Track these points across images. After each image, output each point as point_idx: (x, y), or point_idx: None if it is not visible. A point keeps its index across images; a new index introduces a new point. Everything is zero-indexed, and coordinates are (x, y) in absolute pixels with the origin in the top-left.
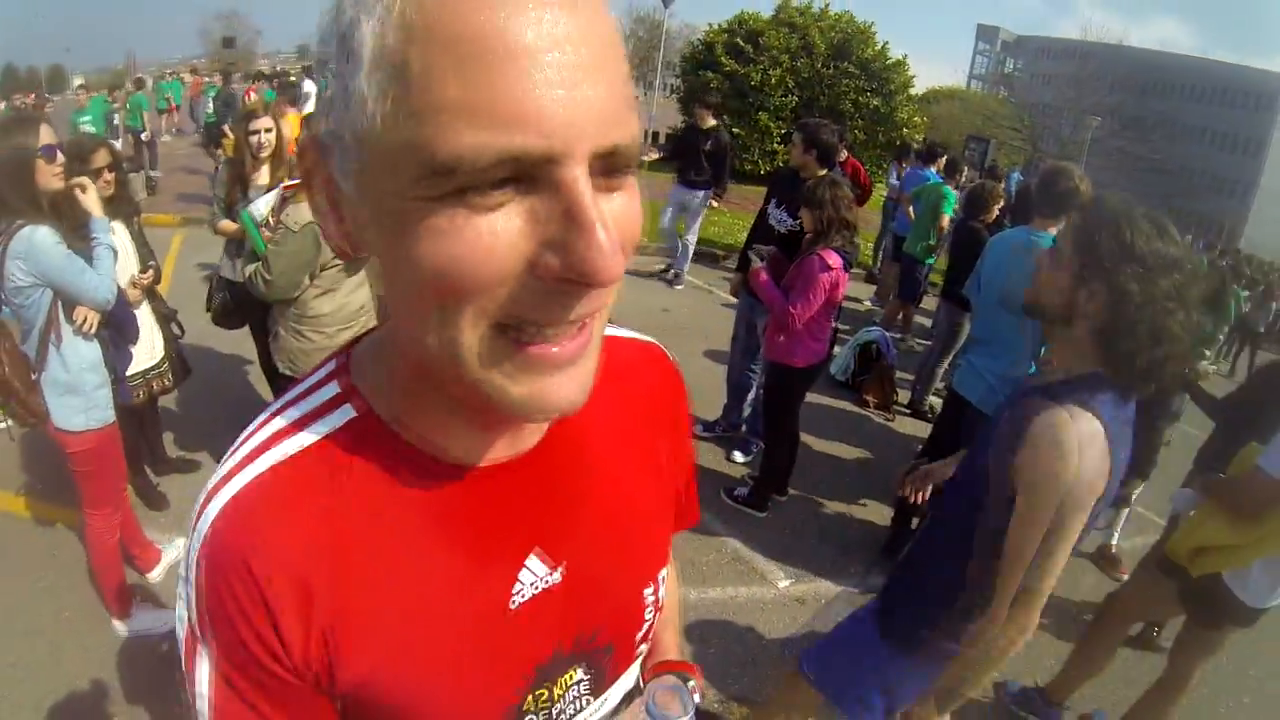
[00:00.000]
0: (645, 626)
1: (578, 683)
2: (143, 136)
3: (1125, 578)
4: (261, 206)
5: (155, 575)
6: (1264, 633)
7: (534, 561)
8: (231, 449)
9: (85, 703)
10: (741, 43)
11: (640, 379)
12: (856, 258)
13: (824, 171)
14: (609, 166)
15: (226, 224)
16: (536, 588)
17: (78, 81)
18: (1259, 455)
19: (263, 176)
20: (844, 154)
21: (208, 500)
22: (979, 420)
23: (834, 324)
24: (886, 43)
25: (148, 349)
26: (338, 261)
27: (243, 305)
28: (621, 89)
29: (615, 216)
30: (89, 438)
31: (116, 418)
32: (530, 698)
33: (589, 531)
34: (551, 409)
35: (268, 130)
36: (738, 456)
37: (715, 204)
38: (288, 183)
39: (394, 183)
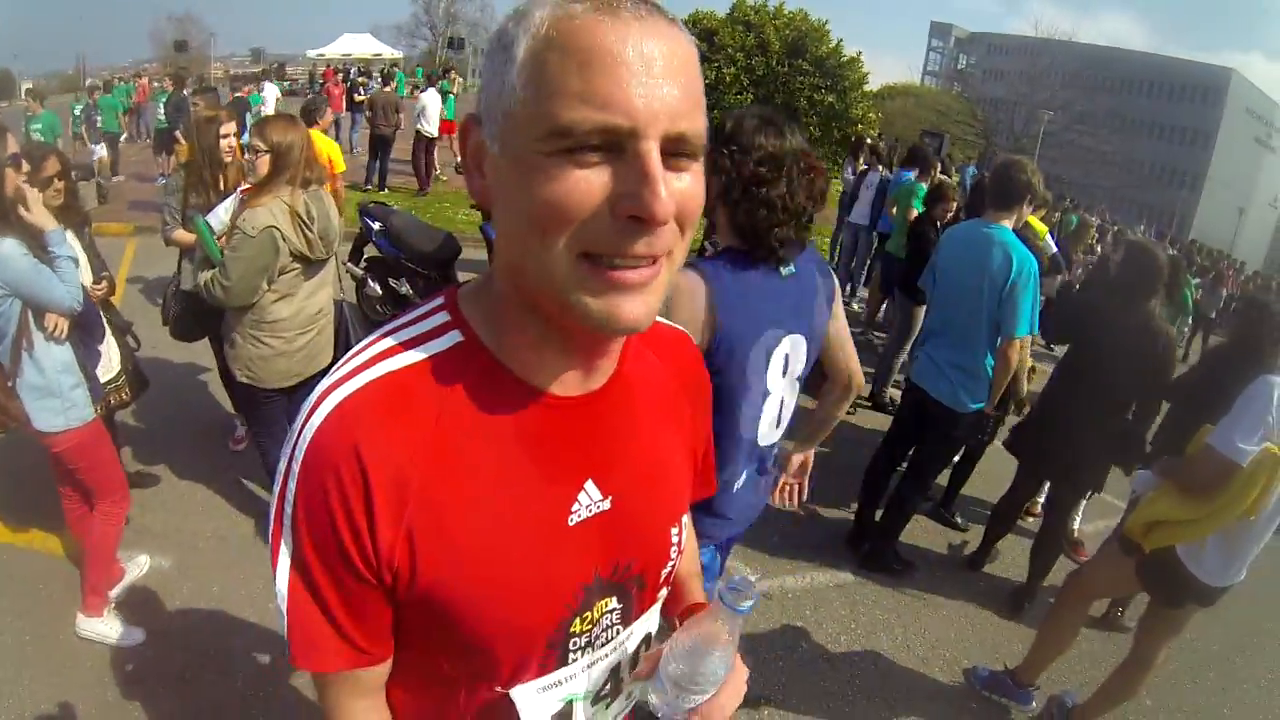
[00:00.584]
0: (670, 565)
1: (610, 611)
2: (122, 139)
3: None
4: (222, 214)
5: (115, 592)
6: (1225, 607)
7: (590, 486)
8: (345, 358)
9: None
10: (698, 41)
11: (678, 355)
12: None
13: None
14: (676, 149)
15: (182, 234)
16: (591, 510)
17: (25, 86)
18: (1209, 434)
19: (227, 183)
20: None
21: (321, 398)
22: (937, 411)
23: None
24: (841, 40)
25: (104, 362)
26: (295, 265)
27: (202, 316)
28: (692, 95)
29: (679, 190)
30: (71, 436)
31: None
32: (578, 619)
33: (632, 469)
34: (622, 323)
35: (235, 135)
36: None
37: None
38: (244, 186)
39: (526, 140)
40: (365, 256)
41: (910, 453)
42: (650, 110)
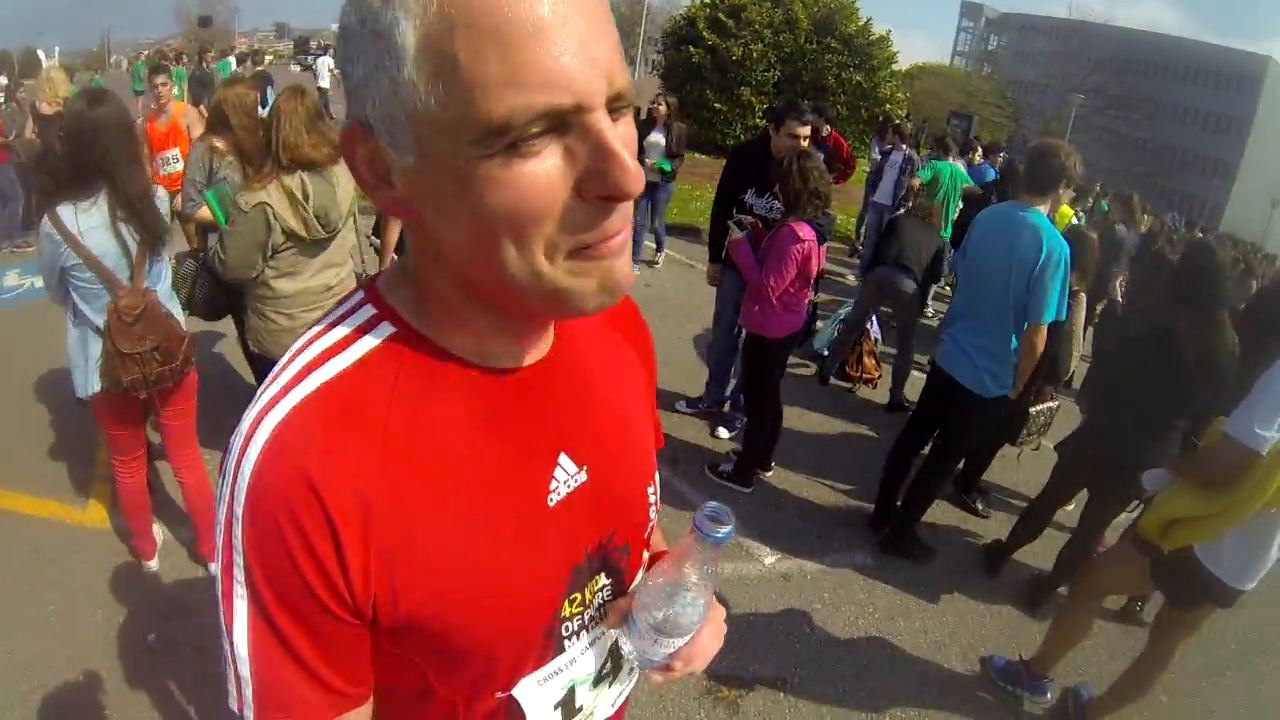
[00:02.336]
0: (650, 525)
1: (602, 588)
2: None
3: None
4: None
5: (152, 564)
6: (1243, 605)
7: (565, 460)
8: (270, 377)
9: (73, 695)
10: (724, 17)
11: (621, 311)
12: (831, 229)
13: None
14: (614, 105)
15: (206, 212)
16: (570, 486)
17: (50, 64)
18: (1225, 424)
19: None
20: (827, 128)
21: (254, 426)
22: (961, 395)
23: (812, 295)
24: (870, 18)
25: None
26: (290, 244)
27: (220, 293)
28: (617, 46)
29: (624, 139)
30: (90, 403)
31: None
32: (567, 603)
33: (601, 435)
34: (618, 285)
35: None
36: (722, 432)
37: None
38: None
39: (455, 145)
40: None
41: (934, 437)
42: (589, 78)
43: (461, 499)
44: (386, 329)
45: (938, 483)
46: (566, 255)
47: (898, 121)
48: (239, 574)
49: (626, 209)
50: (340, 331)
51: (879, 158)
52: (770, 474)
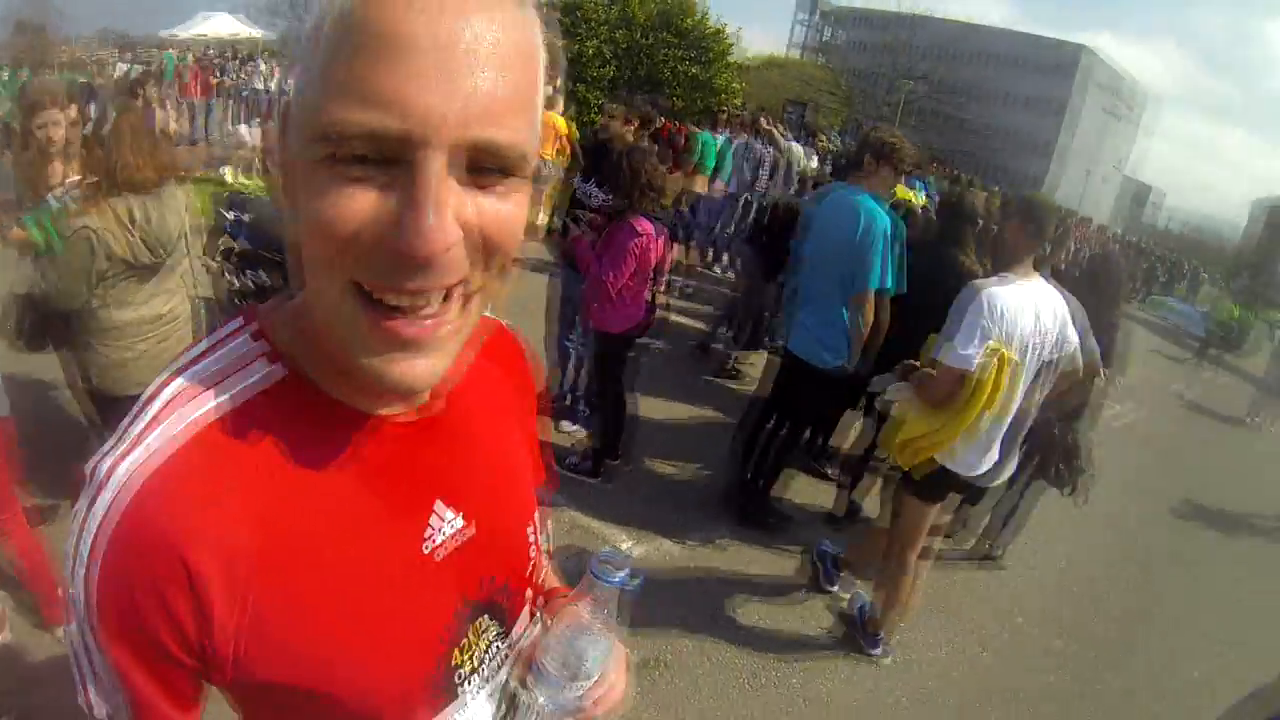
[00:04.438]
0: (531, 563)
1: (486, 630)
2: None
3: None
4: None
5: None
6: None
7: (440, 507)
8: (132, 414)
9: None
10: (561, 16)
11: (502, 346)
12: (671, 222)
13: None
14: (480, 163)
15: (17, 231)
16: (445, 533)
17: None
18: (934, 353)
19: (56, 176)
20: (661, 120)
21: (111, 470)
22: (801, 368)
23: (652, 288)
24: (706, 12)
25: None
26: (122, 271)
27: (54, 322)
28: (511, 94)
29: (482, 215)
30: None
31: None
32: (457, 650)
33: (480, 483)
34: (393, 384)
35: (55, 124)
36: (566, 425)
37: None
38: (74, 179)
39: (299, 145)
40: (223, 249)
41: (779, 411)
42: (434, 110)
43: (336, 552)
44: (262, 366)
45: (785, 452)
46: (350, 283)
47: (730, 112)
48: (88, 642)
49: (435, 278)
50: (212, 365)
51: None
52: (619, 463)
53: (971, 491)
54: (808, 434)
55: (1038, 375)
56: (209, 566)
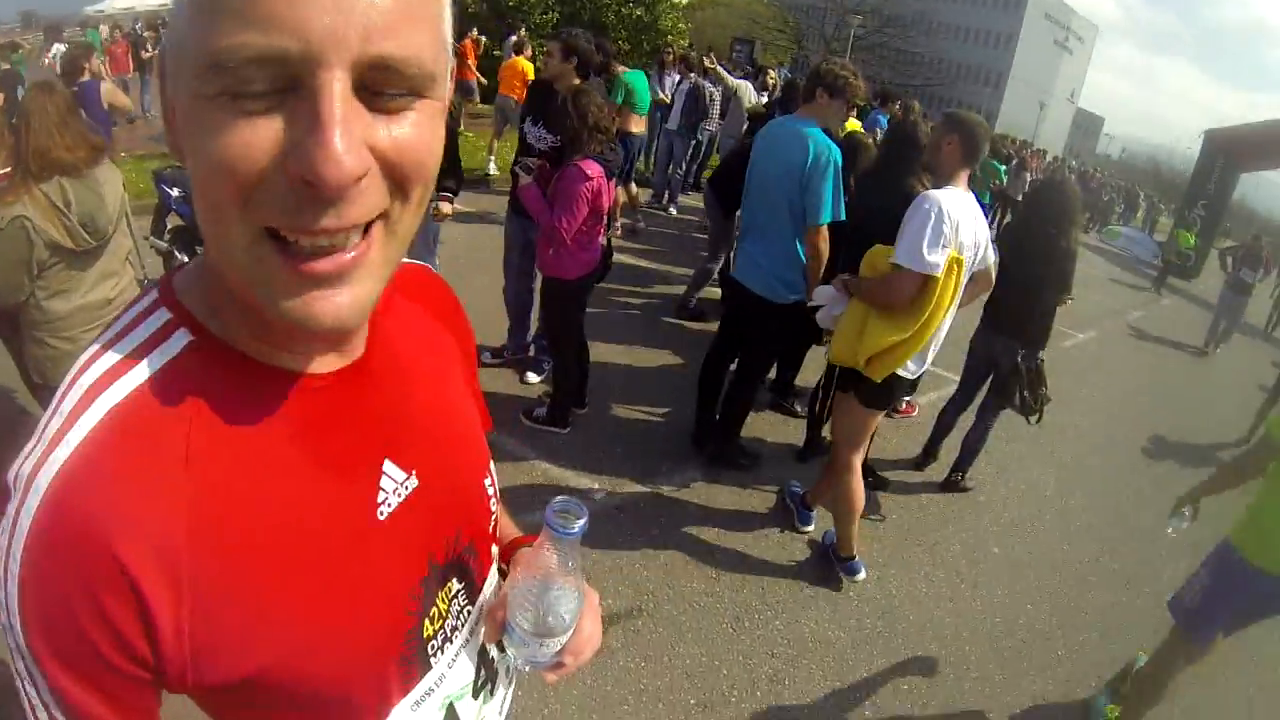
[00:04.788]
0: (493, 518)
1: (456, 595)
2: None
3: (912, 416)
4: None
5: None
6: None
7: (390, 468)
8: (50, 408)
9: None
10: None
11: (429, 291)
12: (620, 165)
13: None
14: (385, 86)
15: None
16: (400, 495)
17: None
18: (889, 255)
19: None
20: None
21: (35, 470)
22: (757, 305)
23: (604, 233)
24: None
25: None
26: (57, 259)
27: None
28: (408, 7)
29: (393, 140)
30: None
31: None
32: (426, 621)
33: (426, 435)
34: (321, 324)
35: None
36: (531, 377)
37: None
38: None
39: (187, 82)
40: (169, 227)
41: (740, 349)
42: (331, 28)
43: (282, 529)
44: (183, 337)
45: (750, 391)
46: (260, 233)
47: (678, 52)
48: (27, 661)
49: (348, 212)
50: (129, 344)
51: (667, 88)
52: (586, 411)
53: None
54: (775, 370)
55: (970, 273)
56: (144, 561)
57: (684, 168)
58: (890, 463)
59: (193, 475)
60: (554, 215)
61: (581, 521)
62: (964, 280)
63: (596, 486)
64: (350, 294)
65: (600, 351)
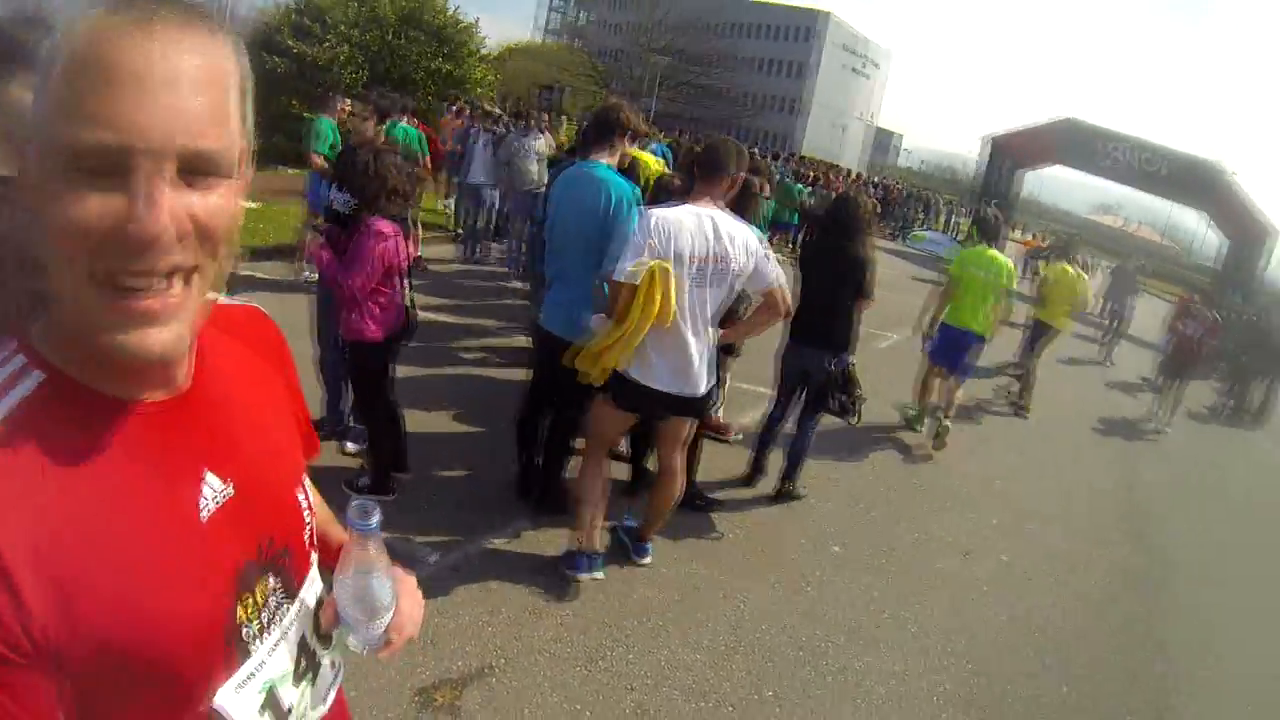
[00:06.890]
0: (308, 528)
1: (274, 590)
2: None
3: (734, 438)
4: None
5: None
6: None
7: (210, 478)
8: None
9: None
10: (309, 22)
11: (253, 330)
12: (412, 222)
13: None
14: (193, 168)
15: None
16: (218, 501)
17: None
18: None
19: None
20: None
21: None
22: (563, 347)
23: (404, 291)
24: (457, 7)
25: None
26: None
27: None
28: (213, 111)
29: (196, 208)
30: None
31: None
32: (240, 608)
33: (243, 451)
34: (152, 354)
35: None
36: (350, 446)
37: None
38: None
39: (45, 159)
40: None
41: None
42: (148, 126)
43: (119, 529)
44: (37, 376)
45: (569, 433)
46: (88, 280)
47: (462, 105)
48: None
49: (164, 260)
50: None
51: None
52: (409, 475)
53: (674, 408)
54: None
55: (709, 285)
56: (16, 555)
57: (489, 218)
58: (719, 483)
59: (48, 486)
60: (348, 276)
61: (377, 515)
62: (679, 287)
63: (429, 550)
64: (161, 333)
65: (418, 411)
